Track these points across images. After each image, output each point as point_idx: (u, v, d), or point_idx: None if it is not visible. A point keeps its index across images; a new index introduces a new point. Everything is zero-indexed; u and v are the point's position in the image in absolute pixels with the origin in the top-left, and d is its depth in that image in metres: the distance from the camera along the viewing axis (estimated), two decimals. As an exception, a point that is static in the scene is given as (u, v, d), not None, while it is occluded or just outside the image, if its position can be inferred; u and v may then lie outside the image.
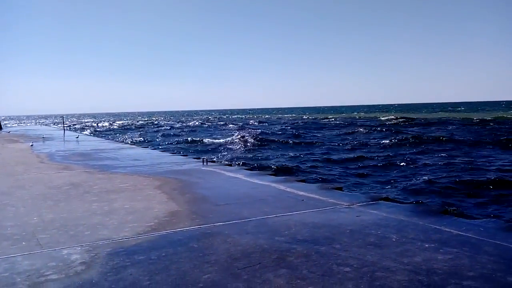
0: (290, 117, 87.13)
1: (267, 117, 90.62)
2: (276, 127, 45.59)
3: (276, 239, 4.17)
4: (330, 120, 61.31)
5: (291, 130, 39.25)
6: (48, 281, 3.27)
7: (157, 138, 36.76)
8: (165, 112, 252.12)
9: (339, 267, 3.40)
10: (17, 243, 4.25)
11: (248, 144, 27.09)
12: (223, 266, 3.50)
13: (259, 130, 39.89)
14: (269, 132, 37.70)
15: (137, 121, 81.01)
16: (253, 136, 31.26)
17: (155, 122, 71.90)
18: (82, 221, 5.04)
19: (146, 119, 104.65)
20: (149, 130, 49.40)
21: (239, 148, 25.77)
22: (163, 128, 53.53)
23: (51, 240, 4.32)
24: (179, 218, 5.12)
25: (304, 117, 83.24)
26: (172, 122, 70.41)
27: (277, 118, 79.26)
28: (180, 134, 41.76)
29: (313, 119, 69.11)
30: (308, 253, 3.74)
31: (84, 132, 37.58)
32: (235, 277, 3.26)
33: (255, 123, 59.38)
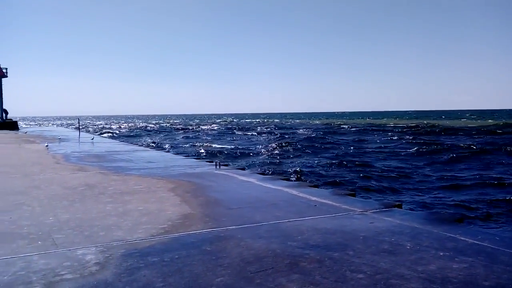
0: (303, 122, 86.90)
1: (276, 121, 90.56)
2: (295, 133, 45.56)
3: (289, 244, 4.17)
4: (343, 126, 61.04)
5: (312, 136, 39.03)
6: (63, 281, 3.31)
7: (181, 144, 35.17)
8: (178, 116, 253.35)
9: (353, 274, 3.38)
10: (33, 242, 4.31)
11: (273, 149, 26.98)
12: (236, 269, 3.51)
13: (277, 135, 39.95)
14: (291, 137, 37.64)
15: (155, 125, 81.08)
16: (277, 141, 31.22)
17: (173, 126, 71.42)
18: (97, 221, 5.09)
19: (161, 122, 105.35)
20: (169, 135, 49.45)
21: (266, 153, 25.69)
22: (181, 132, 53.67)
23: (66, 240, 4.38)
24: (192, 220, 5.15)
25: (316, 122, 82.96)
26: (189, 126, 70.34)
27: (289, 123, 79.17)
28: (200, 137, 41.87)
29: (325, 125, 68.88)
30: (321, 259, 3.73)
31: (103, 135, 37.72)
32: (248, 281, 3.27)
33: (272, 128, 59.24)
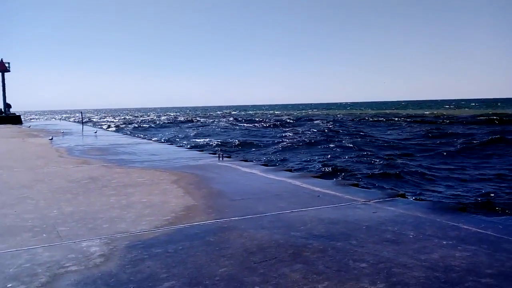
0: (303, 113, 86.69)
1: (277, 113, 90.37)
2: (296, 124, 45.52)
3: (292, 234, 4.18)
4: (345, 117, 60.83)
5: (314, 126, 38.86)
6: (68, 273, 3.33)
7: (185, 137, 33.73)
8: (178, 108, 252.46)
9: (355, 263, 3.39)
10: (38, 235, 4.34)
11: (276, 141, 26.72)
12: (239, 260, 3.52)
13: (280, 126, 39.86)
14: (293, 129, 37.53)
15: (157, 117, 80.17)
16: (279, 132, 30.89)
17: (175, 119, 70.24)
18: (101, 214, 5.12)
19: (162, 114, 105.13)
20: (172, 127, 49.24)
21: (268, 145, 25.54)
22: (183, 124, 53.39)
23: (70, 232, 4.40)
24: (196, 212, 5.17)
25: (318, 113, 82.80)
26: (191, 118, 69.78)
27: (290, 115, 79.01)
28: (203, 130, 41.79)
29: (326, 115, 68.69)
30: (324, 249, 3.74)
31: (108, 129, 37.57)
32: (251, 271, 3.28)
33: (274, 120, 58.99)
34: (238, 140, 27.52)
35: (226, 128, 42.69)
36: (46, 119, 66.32)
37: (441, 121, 42.62)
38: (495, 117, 40.52)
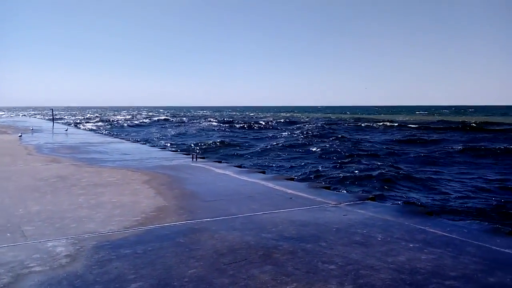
0: (282, 115, 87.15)
1: (252, 115, 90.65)
2: (276, 127, 45.68)
3: (263, 236, 4.19)
4: (323, 120, 61.45)
5: (294, 131, 39.15)
6: (32, 273, 3.24)
7: (162, 137, 33.33)
8: (154, 107, 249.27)
9: (324, 265, 3.43)
10: (1, 234, 4.21)
11: (255, 143, 26.79)
12: (209, 261, 3.51)
13: (258, 128, 39.89)
14: (273, 131, 37.64)
15: (134, 117, 77.86)
16: (259, 135, 30.95)
17: (152, 119, 68.30)
18: (69, 214, 5.00)
19: (136, 113, 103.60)
20: (149, 129, 48.78)
21: (245, 147, 25.61)
22: (161, 125, 52.89)
23: (36, 232, 4.29)
24: (167, 213, 5.12)
25: (302, 115, 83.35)
26: (169, 120, 68.74)
27: (271, 117, 79.31)
28: (182, 130, 41.47)
29: (301, 117, 69.22)
30: (294, 250, 3.77)
31: (82, 127, 36.70)
32: (221, 272, 3.27)
33: (254, 122, 59.03)
34: (213, 141, 27.40)
35: (201, 129, 42.43)
36: (14, 115, 64.42)
37: (412, 126, 43.55)
38: (460, 126, 41.50)
